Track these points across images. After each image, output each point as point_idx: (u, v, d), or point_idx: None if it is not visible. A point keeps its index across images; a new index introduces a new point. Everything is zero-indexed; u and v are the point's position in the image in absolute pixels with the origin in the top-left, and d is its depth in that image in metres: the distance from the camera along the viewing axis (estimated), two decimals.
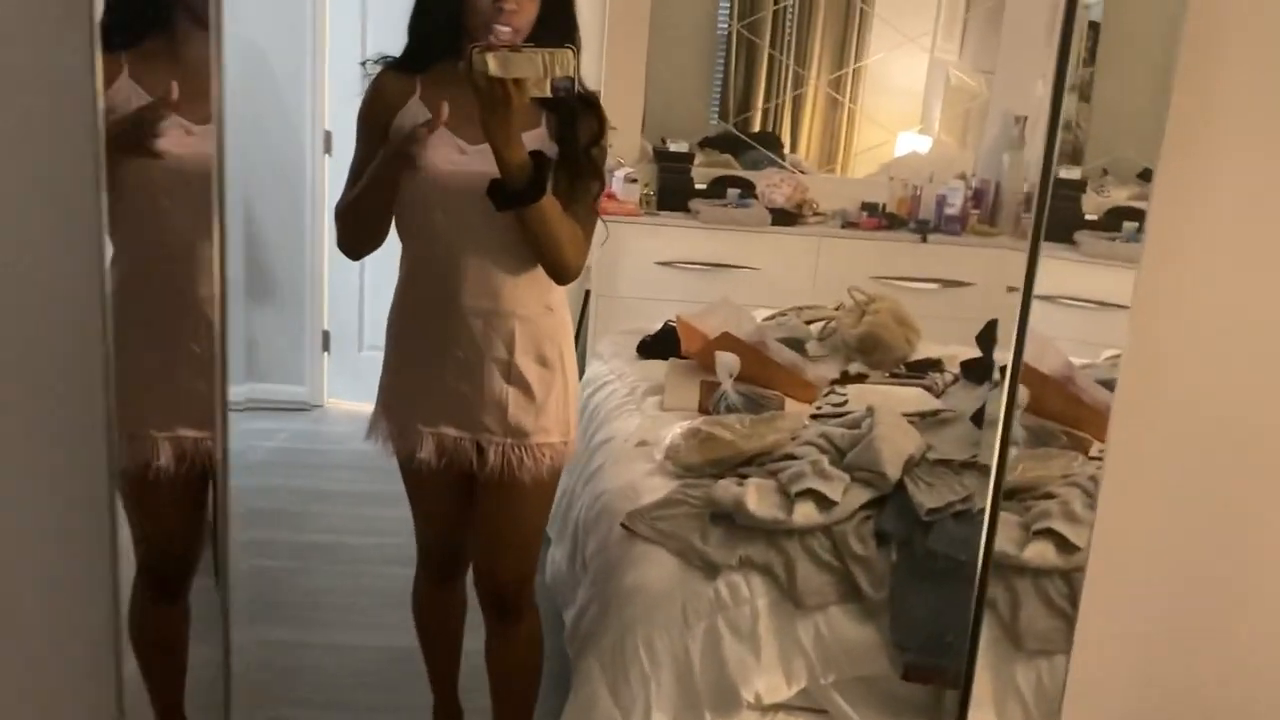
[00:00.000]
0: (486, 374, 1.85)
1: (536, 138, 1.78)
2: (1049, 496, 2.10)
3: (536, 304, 1.87)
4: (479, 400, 1.86)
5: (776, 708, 2.01)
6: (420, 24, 1.80)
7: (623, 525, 2.09)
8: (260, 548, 3.15)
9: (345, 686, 2.59)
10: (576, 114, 1.80)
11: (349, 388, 4.39)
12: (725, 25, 4.58)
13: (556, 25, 1.75)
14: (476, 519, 1.97)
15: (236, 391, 4.49)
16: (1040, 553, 1.96)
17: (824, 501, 2.07)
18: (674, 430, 2.30)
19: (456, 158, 1.76)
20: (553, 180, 1.76)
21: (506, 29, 1.69)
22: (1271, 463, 1.48)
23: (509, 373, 1.85)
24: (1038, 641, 1.93)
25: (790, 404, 2.57)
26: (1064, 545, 1.96)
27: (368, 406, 4.10)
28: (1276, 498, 1.50)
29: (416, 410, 1.89)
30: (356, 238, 1.87)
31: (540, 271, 1.83)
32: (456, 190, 1.76)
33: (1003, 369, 1.58)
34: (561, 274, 1.84)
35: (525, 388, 1.87)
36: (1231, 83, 1.36)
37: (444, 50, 1.73)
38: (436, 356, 1.86)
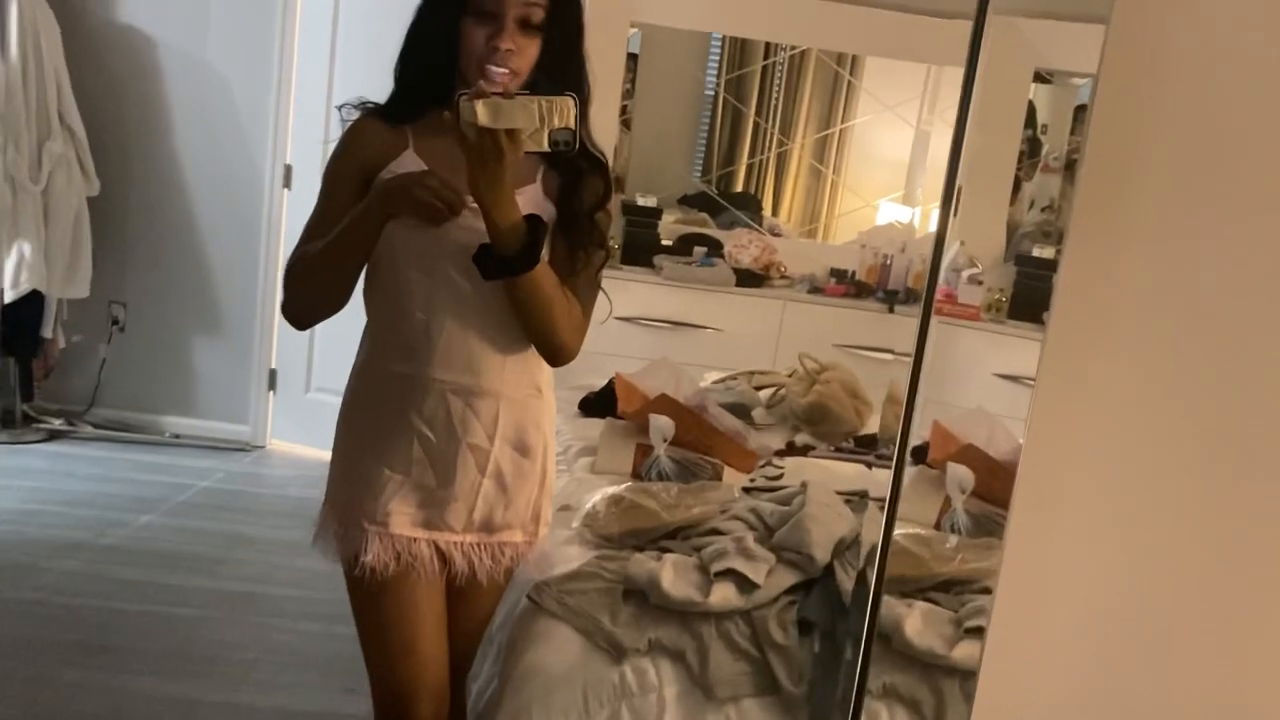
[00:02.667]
0: (460, 463, 1.61)
1: (531, 196, 1.56)
2: (986, 591, 1.95)
3: (525, 385, 1.64)
4: (445, 494, 1.62)
5: None
6: (409, 69, 1.59)
7: (528, 597, 1.94)
8: (171, 593, 2.99)
9: None
10: (581, 172, 1.58)
11: (294, 429, 4.25)
12: (713, 86, 4.53)
13: (562, 70, 1.53)
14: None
15: (177, 425, 4.36)
16: (969, 653, 1.81)
17: (745, 583, 1.92)
18: (596, 496, 2.16)
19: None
20: (550, 247, 1.56)
21: (502, 71, 1.49)
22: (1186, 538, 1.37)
23: (485, 463, 1.62)
24: None
25: (730, 474, 2.43)
26: None
27: (310, 450, 3.98)
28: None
29: (364, 504, 1.61)
30: (312, 299, 1.60)
31: (532, 348, 1.61)
32: (439, 248, 1.53)
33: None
34: (555, 355, 1.61)
35: (499, 480, 1.64)
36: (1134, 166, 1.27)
37: (436, 97, 1.51)
38: (400, 439, 1.60)
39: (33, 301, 3.88)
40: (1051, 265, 3.94)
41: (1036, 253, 3.95)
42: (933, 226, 4.30)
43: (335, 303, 1.58)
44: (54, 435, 4.08)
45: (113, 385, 4.23)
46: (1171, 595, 1.41)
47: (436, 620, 1.68)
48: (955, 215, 1.41)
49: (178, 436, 4.23)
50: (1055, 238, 4.12)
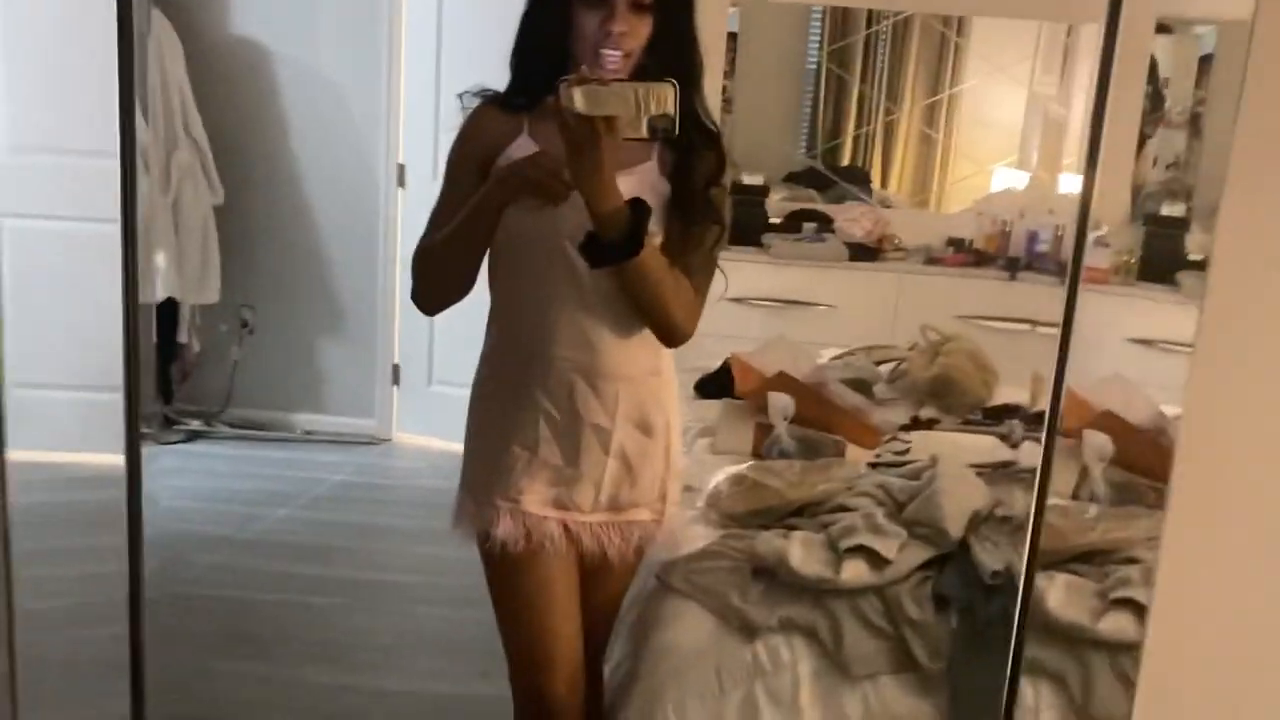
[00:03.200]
0: (584, 443, 1.64)
1: (645, 173, 1.58)
2: (1132, 561, 1.89)
3: (645, 365, 1.65)
4: (573, 473, 1.65)
5: None
6: (523, 56, 1.61)
7: (656, 578, 1.95)
8: (311, 583, 3.10)
9: None
10: (694, 147, 1.58)
11: (419, 422, 4.35)
12: (815, 59, 4.46)
13: (672, 48, 1.54)
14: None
15: (307, 421, 4.49)
16: (1118, 625, 1.75)
17: (876, 559, 1.89)
18: (719, 476, 2.15)
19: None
20: (665, 224, 1.58)
21: (615, 54, 1.49)
22: None
23: (608, 443, 1.65)
24: None
25: (853, 451, 2.40)
26: (1146, 617, 1.74)
27: (435, 441, 4.07)
28: None
29: (496, 481, 1.66)
30: (439, 285, 1.64)
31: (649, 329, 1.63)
32: (557, 232, 1.55)
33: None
34: (669, 337, 1.62)
35: (623, 460, 1.66)
36: None
37: (551, 84, 1.48)
38: (526, 416, 1.63)
39: (167, 309, 4.06)
40: (1182, 223, 3.78)
41: (1165, 211, 3.78)
42: (1056, 190, 4.17)
43: (461, 288, 1.62)
44: (193, 436, 4.26)
45: (245, 386, 4.39)
46: None
47: (570, 598, 1.70)
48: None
49: (309, 433, 4.37)
50: (1183, 195, 3.95)
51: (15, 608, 1.32)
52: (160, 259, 3.92)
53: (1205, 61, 4.11)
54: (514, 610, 1.71)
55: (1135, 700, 1.34)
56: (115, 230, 1.45)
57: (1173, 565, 1.38)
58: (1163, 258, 3.59)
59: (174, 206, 3.97)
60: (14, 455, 1.38)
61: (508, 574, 1.69)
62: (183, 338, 4.18)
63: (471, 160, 1.62)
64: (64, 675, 2.35)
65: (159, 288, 3.94)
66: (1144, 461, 2.12)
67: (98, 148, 1.53)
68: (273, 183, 4.25)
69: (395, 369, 4.38)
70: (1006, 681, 1.44)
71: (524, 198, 1.53)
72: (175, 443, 4.18)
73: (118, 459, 1.63)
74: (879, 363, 2.88)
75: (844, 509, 2.02)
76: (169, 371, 4.23)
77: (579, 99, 1.39)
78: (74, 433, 3.34)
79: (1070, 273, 1.45)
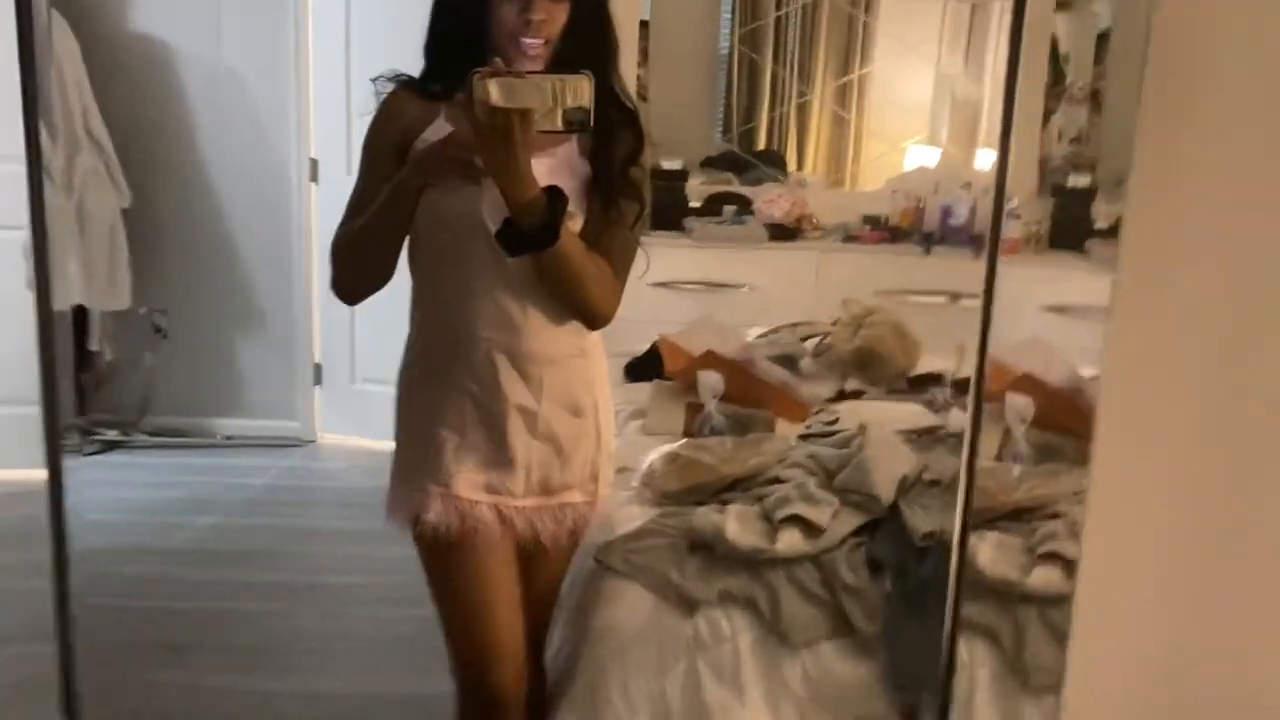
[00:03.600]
0: (510, 425, 1.63)
1: (565, 155, 1.58)
2: (1056, 516, 1.94)
3: (570, 346, 1.64)
4: (502, 457, 1.64)
5: None
6: (439, 44, 1.60)
7: (595, 559, 1.95)
8: (241, 589, 3.04)
9: None
10: (612, 125, 1.57)
11: (343, 421, 4.28)
12: (727, 43, 4.48)
13: (589, 32, 1.56)
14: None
15: (228, 426, 4.41)
16: (1045, 579, 1.80)
17: (810, 528, 1.92)
18: (652, 455, 2.16)
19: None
20: (585, 205, 1.58)
21: (536, 42, 1.50)
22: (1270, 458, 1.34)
23: (535, 425, 1.64)
24: (1045, 676, 1.76)
25: (782, 425, 2.42)
26: (1072, 569, 1.79)
27: (361, 440, 4.01)
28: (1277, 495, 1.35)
29: (426, 466, 1.64)
30: (359, 274, 1.62)
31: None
32: (475, 214, 1.54)
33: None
34: (590, 320, 1.63)
35: (552, 442, 1.66)
36: (1203, 78, 1.25)
37: (468, 71, 1.46)
38: (453, 398, 1.62)
39: (76, 317, 3.93)
40: (1088, 194, 3.89)
41: (1072, 183, 3.89)
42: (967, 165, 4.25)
43: (383, 274, 1.60)
44: (110, 446, 4.14)
45: (162, 392, 4.27)
46: (1261, 512, 1.39)
47: (508, 584, 1.69)
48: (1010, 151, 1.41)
49: (230, 438, 4.27)
50: (1087, 167, 4.07)
51: None
52: (68, 265, 3.79)
53: (1103, 39, 4.24)
54: (453, 599, 1.69)
55: (1068, 654, 1.38)
56: (21, 237, 1.40)
57: (1098, 521, 1.42)
58: (1071, 227, 3.69)
59: (79, 211, 3.85)
60: None
61: (443, 562, 1.67)
62: (94, 345, 4.05)
63: (388, 145, 1.60)
64: None
65: (68, 294, 3.81)
66: (1064, 421, 2.18)
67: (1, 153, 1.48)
68: (181, 183, 4.14)
69: (317, 368, 4.30)
70: (945, 640, 1.47)
71: (441, 179, 1.53)
72: (92, 454, 4.06)
73: (37, 473, 1.58)
74: (804, 339, 2.92)
75: (777, 481, 2.04)
76: (81, 381, 4.10)
77: (494, 91, 1.38)
78: None
79: (990, 243, 1.49)
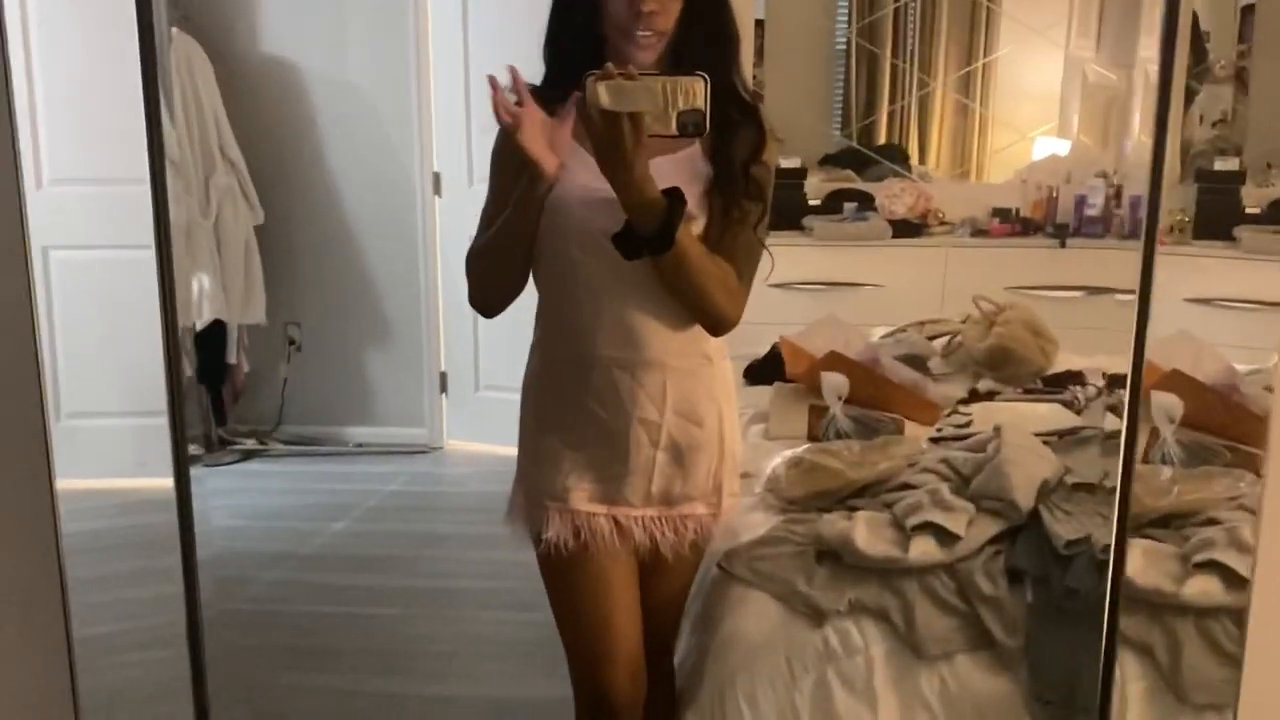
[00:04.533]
0: (632, 438, 1.60)
1: (688, 157, 1.54)
2: (1212, 523, 1.81)
3: (692, 354, 1.61)
4: (622, 469, 1.62)
5: None
6: (556, 45, 1.59)
7: (719, 566, 1.90)
8: (371, 594, 3.10)
9: None
10: (733, 123, 1.53)
11: (467, 429, 4.35)
12: (844, 37, 4.39)
13: (706, 24, 1.52)
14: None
15: (359, 434, 4.50)
16: (1203, 589, 1.68)
17: (945, 536, 1.83)
18: (775, 460, 2.11)
19: (595, 185, 1.47)
20: (707, 205, 1.54)
21: (648, 34, 1.48)
22: None
23: (657, 436, 1.61)
24: (1205, 694, 1.65)
25: (911, 427, 2.34)
26: (1232, 579, 1.67)
27: (486, 447, 4.06)
28: None
29: (545, 481, 1.64)
30: (492, 286, 1.61)
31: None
32: (597, 224, 1.51)
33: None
34: (714, 325, 1.58)
35: (673, 452, 1.63)
36: None
37: (585, 73, 1.45)
38: (573, 417, 1.61)
39: (215, 331, 4.09)
40: (1236, 177, 3.67)
41: (1219, 167, 3.68)
42: (1100, 153, 4.06)
43: (515, 286, 1.60)
44: (247, 455, 4.28)
45: (296, 403, 4.41)
46: None
47: (626, 594, 1.67)
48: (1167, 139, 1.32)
49: (360, 445, 4.38)
50: (1233, 150, 3.84)
51: (73, 635, 1.31)
52: (205, 281, 3.95)
53: (1247, 13, 3.99)
54: (570, 608, 1.69)
55: (1243, 672, 1.27)
56: (152, 255, 1.44)
57: (1273, 528, 1.30)
58: (1218, 214, 3.49)
59: (215, 228, 4.00)
60: (68, 484, 1.38)
61: (561, 572, 1.67)
62: (232, 358, 4.21)
63: (512, 156, 1.56)
64: (127, 699, 2.36)
65: (206, 310, 3.96)
66: (1216, 420, 2.04)
67: (133, 175, 1.52)
68: (311, 199, 4.27)
69: (442, 377, 4.38)
70: (1102, 654, 1.38)
71: (549, 179, 1.50)
72: (230, 463, 4.21)
73: (169, 482, 1.62)
74: (932, 337, 2.81)
75: (907, 486, 1.96)
76: (220, 393, 4.26)
77: (604, 94, 1.36)
78: (126, 459, 3.36)
79: (1146, 234, 1.41)
